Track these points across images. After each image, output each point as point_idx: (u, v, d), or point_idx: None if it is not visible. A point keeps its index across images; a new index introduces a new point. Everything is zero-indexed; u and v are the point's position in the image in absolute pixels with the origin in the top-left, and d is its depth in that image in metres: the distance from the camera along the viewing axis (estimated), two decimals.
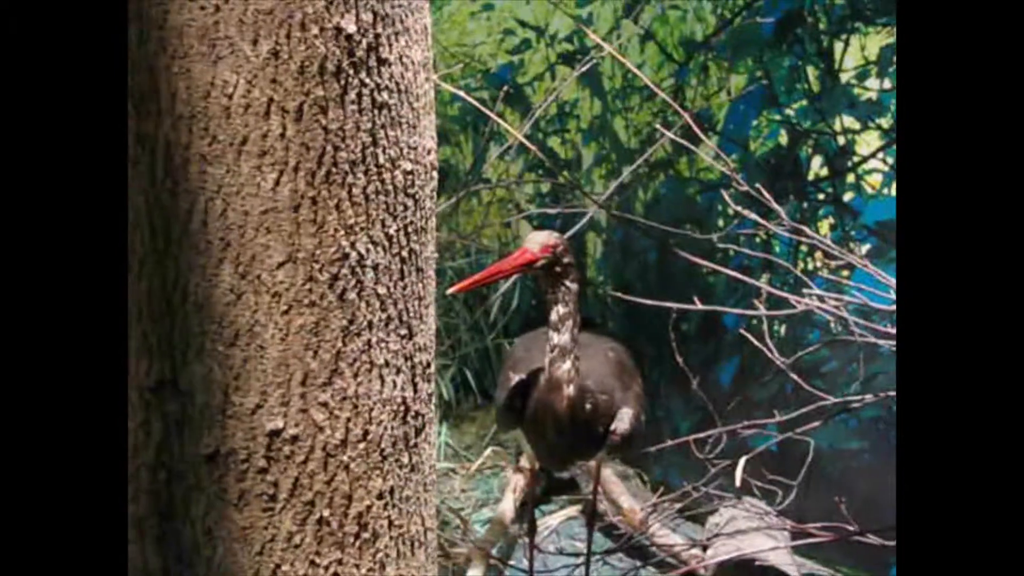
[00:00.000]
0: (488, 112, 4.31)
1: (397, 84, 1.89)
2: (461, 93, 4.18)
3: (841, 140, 4.76)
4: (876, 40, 4.65)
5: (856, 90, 4.67)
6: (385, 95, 1.87)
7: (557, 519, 4.38)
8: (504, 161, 5.53)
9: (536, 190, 5.63)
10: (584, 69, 4.94)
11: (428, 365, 2.02)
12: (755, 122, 5.01)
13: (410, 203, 1.94)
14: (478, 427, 5.24)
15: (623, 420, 3.17)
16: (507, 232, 5.59)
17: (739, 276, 3.79)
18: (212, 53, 1.79)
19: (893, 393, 3.32)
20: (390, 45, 1.87)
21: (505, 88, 5.36)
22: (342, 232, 1.86)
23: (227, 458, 1.86)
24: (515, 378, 3.17)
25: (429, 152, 1.98)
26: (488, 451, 4.91)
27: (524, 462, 4.25)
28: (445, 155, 5.53)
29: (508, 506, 4.23)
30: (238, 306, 1.84)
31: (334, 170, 1.84)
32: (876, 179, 4.68)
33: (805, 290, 3.53)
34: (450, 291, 2.93)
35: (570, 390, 3.02)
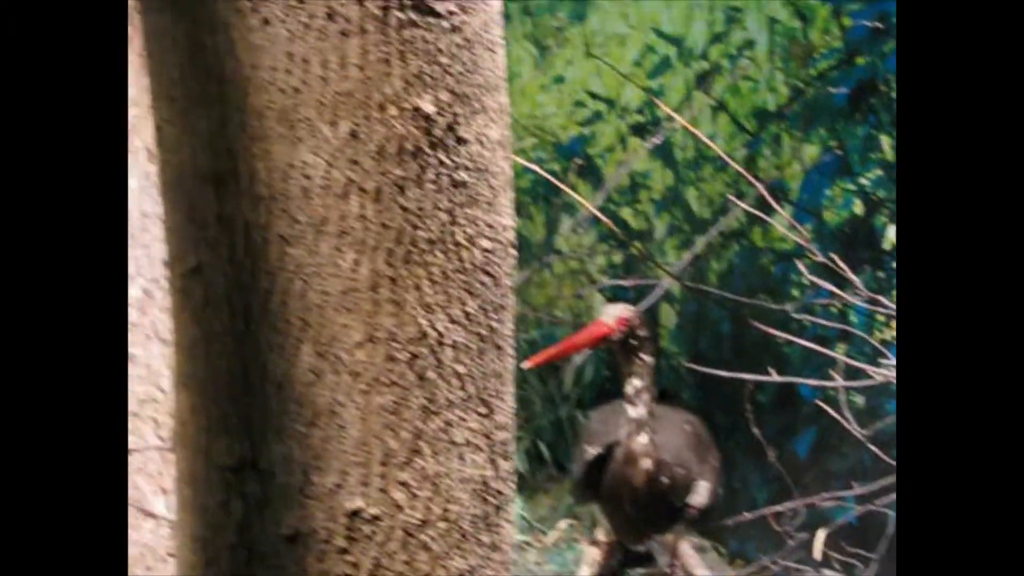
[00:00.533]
0: (560, 184, 4.32)
1: (475, 163, 1.89)
2: (533, 166, 4.20)
3: None
4: None
5: None
6: (463, 174, 1.87)
7: None
8: (576, 233, 5.54)
9: (608, 261, 5.63)
10: (657, 142, 4.95)
11: (508, 443, 2.00)
12: (829, 191, 4.99)
13: (488, 281, 1.93)
14: (552, 499, 5.23)
15: (700, 493, 3.16)
16: (579, 303, 5.59)
17: (815, 347, 3.77)
18: (291, 135, 1.81)
19: None
20: (468, 124, 1.87)
21: (577, 160, 5.38)
22: (421, 311, 1.85)
23: (307, 538, 1.86)
24: (591, 451, 3.16)
25: (507, 229, 1.97)
26: (563, 524, 4.88)
27: (600, 535, 4.22)
28: (517, 227, 5.54)
29: None
30: (318, 386, 1.84)
31: (413, 249, 1.84)
32: None
33: (882, 360, 3.51)
34: (525, 365, 2.92)
35: (647, 464, 3.01)
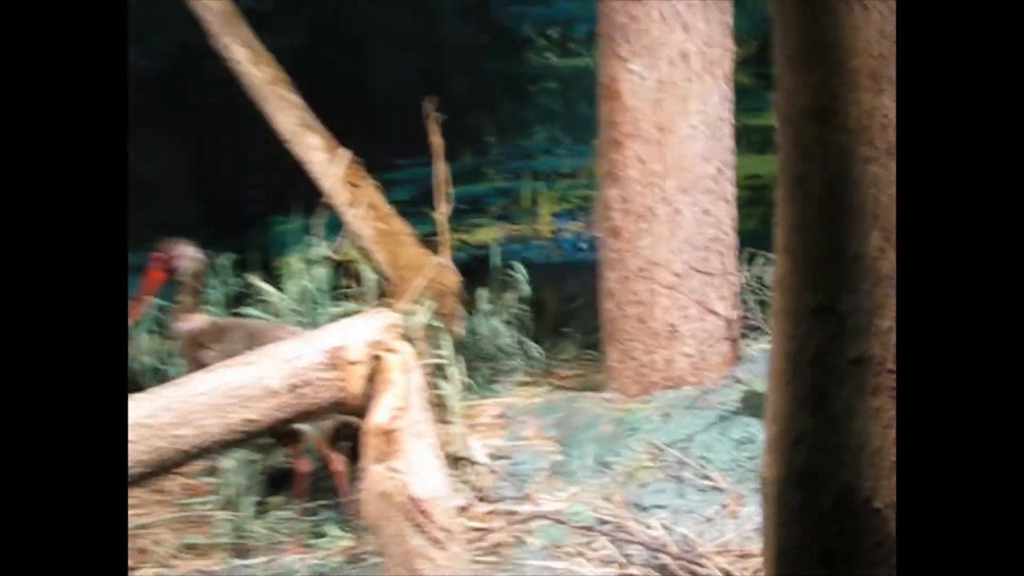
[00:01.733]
0: None
1: None
2: None
3: None
4: None
5: None
6: None
7: None
8: None
9: None
10: None
11: None
12: None
13: None
14: None
15: None
16: None
17: None
18: (876, 86, 2.35)
19: None
20: None
21: None
22: None
23: (868, 361, 2.43)
24: None
25: None
26: None
27: None
28: None
29: None
30: (882, 260, 2.40)
31: None
32: None
33: None
34: None
35: None
